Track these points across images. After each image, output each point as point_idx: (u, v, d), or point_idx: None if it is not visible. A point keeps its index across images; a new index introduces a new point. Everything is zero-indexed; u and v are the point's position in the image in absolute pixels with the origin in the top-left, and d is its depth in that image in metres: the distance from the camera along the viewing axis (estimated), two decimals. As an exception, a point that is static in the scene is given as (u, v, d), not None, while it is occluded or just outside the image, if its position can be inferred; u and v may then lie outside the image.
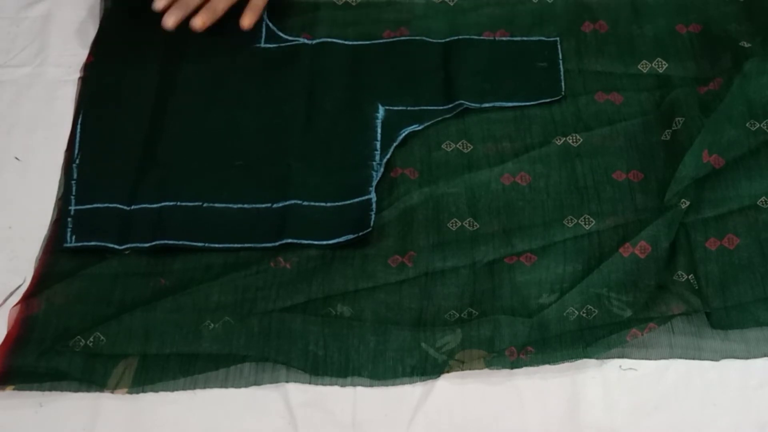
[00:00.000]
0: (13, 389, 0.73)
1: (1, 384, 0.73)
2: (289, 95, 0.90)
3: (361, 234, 0.80)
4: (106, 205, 0.82)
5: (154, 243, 0.80)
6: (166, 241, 0.80)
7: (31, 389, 0.73)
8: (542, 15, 0.96)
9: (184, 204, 0.82)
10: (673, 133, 0.84)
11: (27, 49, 0.94)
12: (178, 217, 0.82)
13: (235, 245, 0.80)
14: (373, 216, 0.81)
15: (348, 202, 0.82)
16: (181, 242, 0.80)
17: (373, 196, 0.82)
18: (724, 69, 0.88)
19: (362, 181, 0.83)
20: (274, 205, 0.82)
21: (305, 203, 0.82)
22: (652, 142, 0.85)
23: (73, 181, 0.84)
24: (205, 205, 0.82)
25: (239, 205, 0.82)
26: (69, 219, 0.81)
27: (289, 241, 0.80)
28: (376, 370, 0.74)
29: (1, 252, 0.81)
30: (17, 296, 0.78)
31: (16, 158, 0.87)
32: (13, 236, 0.82)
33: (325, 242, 0.80)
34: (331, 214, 0.82)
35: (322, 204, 0.82)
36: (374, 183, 0.83)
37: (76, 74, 0.91)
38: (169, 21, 0.87)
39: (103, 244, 0.80)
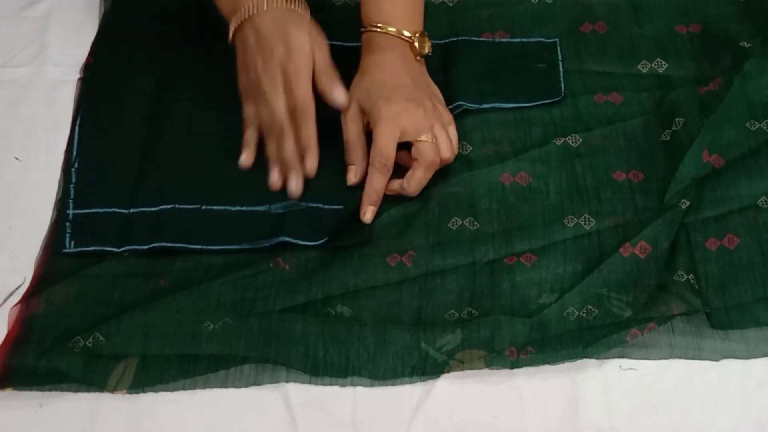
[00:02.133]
0: (13, 390, 0.73)
1: (1, 384, 0.73)
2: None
3: (358, 242, 0.80)
4: (104, 209, 0.82)
5: (152, 246, 0.80)
6: (163, 244, 0.80)
7: (31, 389, 0.73)
8: (541, 16, 0.96)
9: (182, 207, 0.82)
10: (673, 134, 0.84)
11: (27, 49, 0.94)
12: (177, 220, 0.81)
13: (233, 246, 0.80)
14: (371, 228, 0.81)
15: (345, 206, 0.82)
16: (178, 245, 0.80)
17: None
18: (724, 69, 0.88)
19: (360, 184, 0.83)
20: (272, 207, 0.82)
21: (303, 205, 0.82)
22: (652, 142, 0.85)
23: (72, 185, 0.84)
24: (203, 207, 0.82)
25: (237, 208, 0.82)
26: (67, 223, 0.81)
27: (285, 239, 0.80)
28: (376, 370, 0.74)
29: (1, 252, 0.81)
30: (17, 296, 0.78)
31: (16, 158, 0.87)
32: (13, 236, 0.82)
33: (320, 242, 0.80)
34: (329, 216, 0.81)
35: (320, 206, 0.82)
36: None
37: (76, 74, 0.91)
38: (294, 189, 0.81)
39: (101, 248, 0.80)
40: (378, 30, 0.84)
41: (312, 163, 0.82)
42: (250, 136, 0.84)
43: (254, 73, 0.81)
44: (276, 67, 0.80)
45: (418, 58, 0.86)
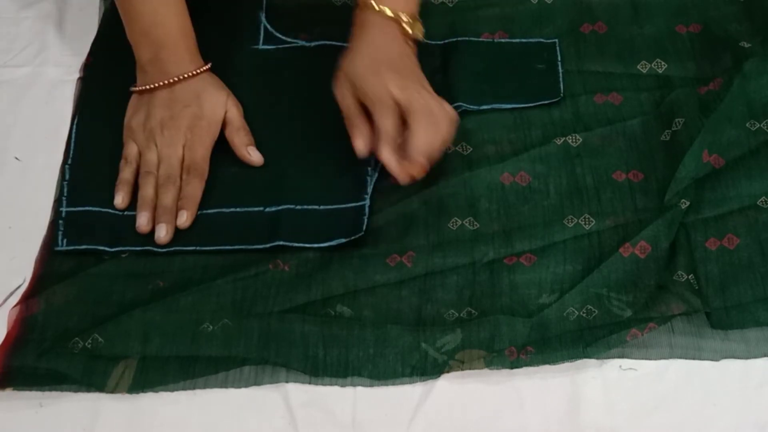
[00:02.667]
0: (13, 390, 0.73)
1: (1, 384, 0.73)
2: (287, 97, 0.90)
3: (353, 237, 0.80)
4: (98, 209, 0.82)
5: (145, 248, 0.80)
6: (157, 249, 0.80)
7: (30, 390, 0.73)
8: (541, 16, 0.96)
9: None
10: (673, 134, 0.84)
11: (27, 49, 0.94)
12: None
13: (227, 247, 0.80)
14: (365, 220, 0.81)
15: (341, 206, 0.82)
16: (173, 248, 0.80)
17: (367, 201, 0.82)
18: (724, 69, 0.88)
19: (357, 186, 0.83)
20: (267, 209, 0.82)
21: (298, 207, 0.82)
22: (652, 143, 0.85)
23: (65, 182, 0.84)
24: (198, 212, 0.82)
25: (231, 209, 0.82)
26: (60, 221, 0.81)
27: (281, 243, 0.80)
28: (376, 370, 0.74)
29: (1, 252, 0.81)
30: (17, 296, 0.78)
31: (16, 158, 0.87)
32: (13, 236, 0.82)
33: (317, 245, 0.80)
34: (323, 217, 0.81)
35: (315, 207, 0.82)
36: (369, 189, 0.83)
37: (76, 74, 0.92)
38: (163, 237, 0.80)
39: (93, 247, 0.80)
40: (370, 8, 0.84)
41: (187, 220, 0.81)
42: (128, 177, 0.83)
43: (156, 120, 0.83)
44: (185, 120, 0.82)
45: (410, 42, 0.85)
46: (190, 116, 0.83)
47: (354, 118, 0.82)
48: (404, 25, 0.84)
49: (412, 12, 0.85)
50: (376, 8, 0.84)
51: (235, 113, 0.85)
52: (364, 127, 0.81)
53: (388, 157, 0.78)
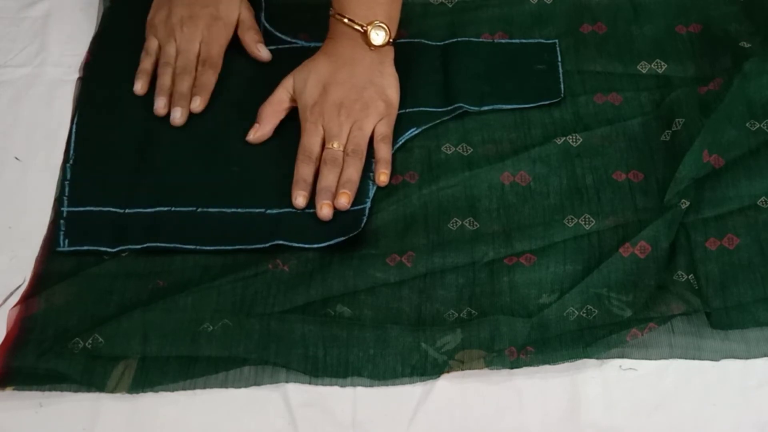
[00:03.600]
0: (13, 390, 0.73)
1: (1, 384, 0.73)
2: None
3: (351, 235, 0.80)
4: (99, 208, 0.82)
5: (145, 245, 0.80)
6: (157, 244, 0.80)
7: (31, 389, 0.73)
8: (541, 16, 0.96)
9: (178, 209, 0.82)
10: (673, 134, 0.84)
11: (27, 49, 0.94)
12: (173, 222, 0.81)
13: (227, 247, 0.80)
14: (364, 219, 0.81)
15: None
16: (172, 245, 0.80)
17: (368, 204, 0.82)
18: (724, 69, 0.88)
19: (359, 190, 0.83)
20: (268, 211, 0.82)
21: (299, 211, 0.82)
22: (652, 143, 0.85)
23: (67, 182, 0.84)
24: (199, 210, 0.82)
25: (233, 210, 0.82)
26: (62, 221, 0.81)
27: (280, 242, 0.80)
28: (376, 370, 0.74)
29: (1, 252, 0.81)
30: (17, 296, 0.78)
31: (16, 158, 0.87)
32: (13, 236, 0.82)
33: (316, 245, 0.80)
34: (324, 221, 0.81)
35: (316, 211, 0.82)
36: (371, 193, 0.83)
37: (75, 74, 0.92)
38: (178, 119, 0.87)
39: (95, 248, 0.80)
40: (335, 17, 0.86)
41: (200, 105, 0.88)
42: (147, 67, 0.90)
43: (177, 18, 0.90)
44: (203, 19, 0.90)
45: (372, 48, 0.86)
46: (208, 16, 0.90)
47: (264, 110, 0.87)
48: (366, 34, 0.85)
49: (376, 18, 0.85)
50: (337, 17, 0.86)
51: (247, 15, 0.93)
52: (267, 123, 0.86)
53: (299, 202, 0.82)
